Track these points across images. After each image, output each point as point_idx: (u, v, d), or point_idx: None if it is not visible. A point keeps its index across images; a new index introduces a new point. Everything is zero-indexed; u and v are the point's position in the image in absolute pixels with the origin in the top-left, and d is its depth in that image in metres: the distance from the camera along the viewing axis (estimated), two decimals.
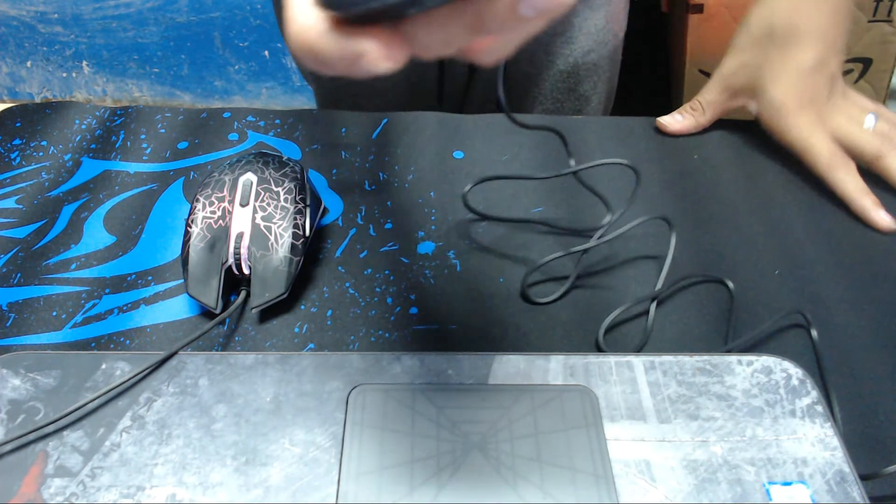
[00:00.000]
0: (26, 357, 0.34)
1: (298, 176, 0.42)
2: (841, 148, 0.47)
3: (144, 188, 0.47)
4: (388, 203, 0.46)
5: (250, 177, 0.41)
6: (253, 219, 0.39)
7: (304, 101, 1.74)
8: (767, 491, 0.29)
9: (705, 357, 0.34)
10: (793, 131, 0.47)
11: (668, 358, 0.34)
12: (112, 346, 0.37)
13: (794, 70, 0.48)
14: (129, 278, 0.41)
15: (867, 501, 0.29)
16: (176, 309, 0.39)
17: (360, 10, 0.26)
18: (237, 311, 0.39)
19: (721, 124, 0.53)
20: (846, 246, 0.43)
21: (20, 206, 0.46)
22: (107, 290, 0.40)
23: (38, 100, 1.79)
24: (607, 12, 0.66)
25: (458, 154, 0.50)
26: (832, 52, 0.49)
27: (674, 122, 0.51)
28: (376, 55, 0.33)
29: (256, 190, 0.40)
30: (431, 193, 0.46)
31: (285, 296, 0.38)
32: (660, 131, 0.52)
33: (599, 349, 0.37)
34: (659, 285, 0.40)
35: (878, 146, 0.46)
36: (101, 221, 0.45)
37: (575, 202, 0.46)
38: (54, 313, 0.39)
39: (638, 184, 0.41)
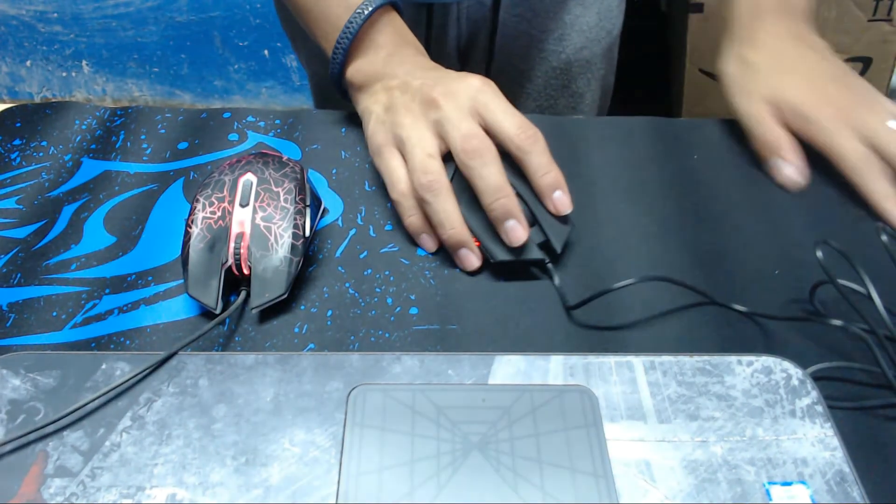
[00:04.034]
0: (26, 357, 0.34)
1: (298, 176, 0.42)
2: (868, 147, 0.45)
3: (144, 188, 0.47)
4: (389, 204, 0.46)
5: (250, 177, 0.41)
6: (253, 219, 0.39)
7: (304, 100, 1.74)
8: (767, 491, 0.29)
9: (705, 357, 0.34)
10: (814, 131, 0.46)
11: (667, 358, 0.34)
12: (112, 346, 0.37)
13: (799, 71, 0.48)
14: (129, 278, 0.41)
15: (867, 501, 0.29)
16: (176, 309, 0.39)
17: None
18: (237, 311, 0.39)
19: (721, 124, 0.53)
20: (847, 246, 0.43)
21: (20, 207, 0.46)
22: (107, 291, 0.40)
23: (37, 99, 1.79)
24: (599, 10, 0.66)
25: None
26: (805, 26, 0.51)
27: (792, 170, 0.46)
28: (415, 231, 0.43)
29: (256, 190, 0.40)
30: None
31: (285, 296, 0.38)
32: (660, 131, 0.52)
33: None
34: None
35: None
36: (102, 222, 0.45)
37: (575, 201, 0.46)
38: (54, 313, 0.39)
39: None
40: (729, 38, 0.52)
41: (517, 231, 0.40)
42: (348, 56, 0.48)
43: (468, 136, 0.40)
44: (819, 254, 0.36)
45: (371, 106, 0.47)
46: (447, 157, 0.42)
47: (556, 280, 0.40)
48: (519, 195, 0.41)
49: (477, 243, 0.41)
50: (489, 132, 0.41)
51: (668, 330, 0.38)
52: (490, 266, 0.42)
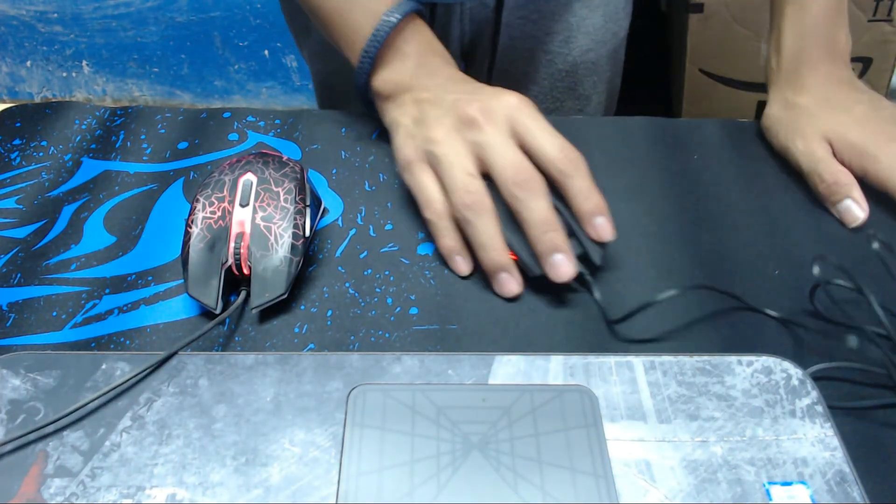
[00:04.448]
0: (26, 357, 0.34)
1: (298, 176, 0.42)
2: None
3: (144, 188, 0.47)
4: (389, 204, 0.46)
5: (250, 177, 0.41)
6: (253, 219, 0.39)
7: (304, 100, 1.74)
8: (767, 491, 0.29)
9: (705, 357, 0.34)
10: (879, 169, 0.45)
11: (667, 358, 0.34)
12: (112, 346, 0.37)
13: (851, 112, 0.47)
14: (129, 278, 0.41)
15: (867, 501, 0.29)
16: (176, 309, 0.39)
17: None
18: (237, 311, 0.39)
19: (721, 124, 0.53)
20: (846, 246, 0.43)
21: (20, 207, 0.46)
22: (107, 291, 0.40)
23: (37, 99, 1.79)
24: (605, 12, 0.66)
25: None
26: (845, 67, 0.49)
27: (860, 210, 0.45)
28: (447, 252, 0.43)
29: (256, 190, 0.40)
30: None
31: (285, 296, 0.38)
32: (660, 131, 0.52)
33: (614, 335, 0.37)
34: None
35: None
36: (101, 222, 0.45)
37: None
38: (54, 313, 0.39)
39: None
40: (774, 84, 0.51)
41: (564, 266, 0.39)
42: (375, 65, 0.47)
43: (518, 168, 0.39)
44: (815, 270, 0.36)
45: (399, 118, 0.45)
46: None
47: (597, 294, 0.39)
48: (556, 208, 0.40)
49: (514, 257, 0.40)
50: (528, 154, 0.40)
51: (668, 330, 0.38)
52: None
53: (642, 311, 0.38)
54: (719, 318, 0.39)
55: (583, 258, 0.40)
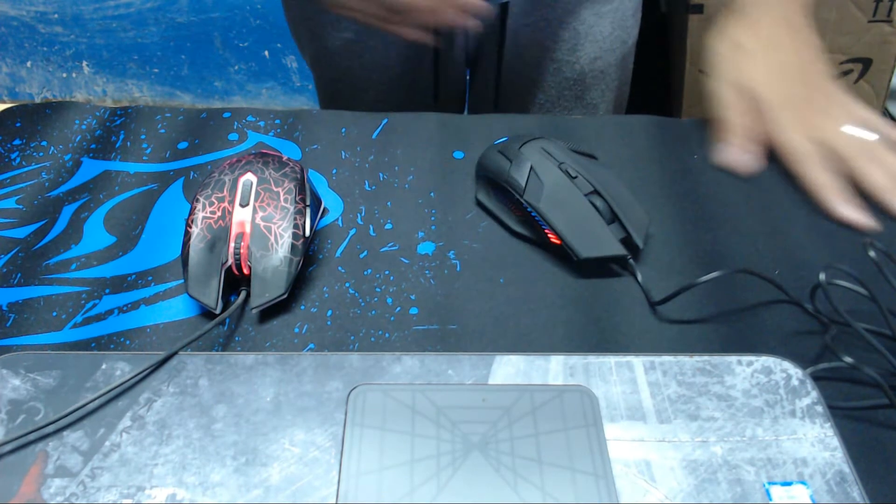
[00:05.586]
0: (26, 357, 0.34)
1: (298, 176, 0.42)
2: (818, 147, 0.48)
3: (144, 188, 0.47)
4: (389, 203, 0.46)
5: (250, 177, 0.41)
6: (253, 219, 0.39)
7: (304, 100, 1.74)
8: (767, 491, 0.29)
9: (705, 357, 0.34)
10: (771, 127, 0.49)
11: (667, 358, 0.34)
12: (112, 346, 0.37)
13: (774, 71, 0.49)
14: (129, 278, 0.41)
15: (867, 501, 0.29)
16: (176, 309, 0.39)
17: None
18: (237, 311, 0.39)
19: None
20: (846, 246, 0.43)
21: (20, 207, 0.46)
22: (107, 291, 0.40)
23: (38, 100, 1.79)
24: (614, 19, 0.66)
25: (459, 154, 0.50)
26: (810, 50, 0.51)
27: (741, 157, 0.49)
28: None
29: (256, 190, 0.40)
30: (431, 194, 0.46)
31: (285, 296, 0.38)
32: (660, 131, 0.52)
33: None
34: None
35: (852, 152, 0.47)
36: (102, 222, 0.45)
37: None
38: (54, 313, 0.39)
39: None
40: (726, 17, 0.53)
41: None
42: None
43: None
44: (822, 277, 0.36)
45: None
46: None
47: (639, 276, 0.40)
48: (598, 192, 0.41)
49: (558, 242, 0.41)
50: None
51: (668, 329, 0.38)
52: (489, 266, 0.42)
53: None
54: (718, 318, 0.39)
55: (626, 242, 0.41)
